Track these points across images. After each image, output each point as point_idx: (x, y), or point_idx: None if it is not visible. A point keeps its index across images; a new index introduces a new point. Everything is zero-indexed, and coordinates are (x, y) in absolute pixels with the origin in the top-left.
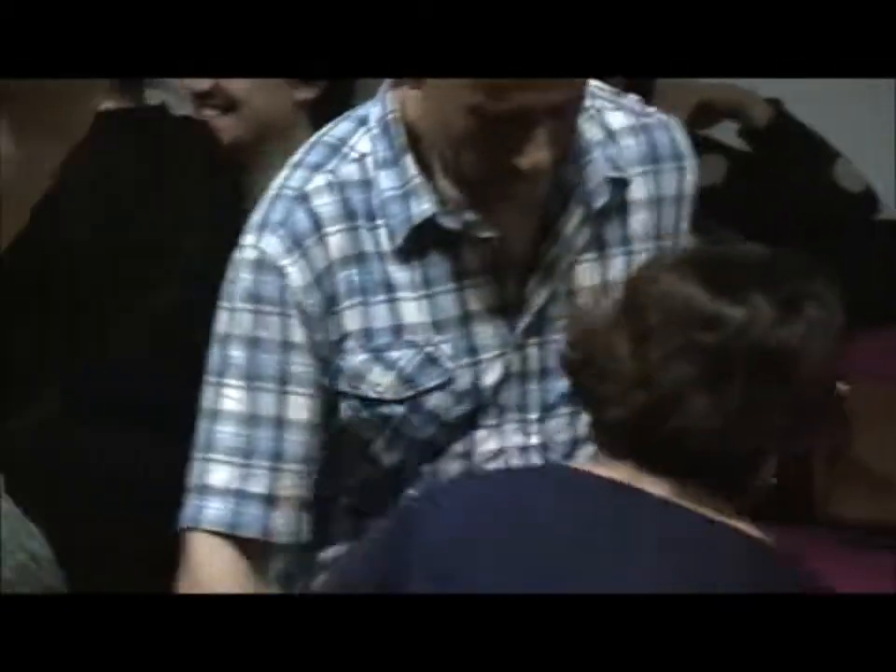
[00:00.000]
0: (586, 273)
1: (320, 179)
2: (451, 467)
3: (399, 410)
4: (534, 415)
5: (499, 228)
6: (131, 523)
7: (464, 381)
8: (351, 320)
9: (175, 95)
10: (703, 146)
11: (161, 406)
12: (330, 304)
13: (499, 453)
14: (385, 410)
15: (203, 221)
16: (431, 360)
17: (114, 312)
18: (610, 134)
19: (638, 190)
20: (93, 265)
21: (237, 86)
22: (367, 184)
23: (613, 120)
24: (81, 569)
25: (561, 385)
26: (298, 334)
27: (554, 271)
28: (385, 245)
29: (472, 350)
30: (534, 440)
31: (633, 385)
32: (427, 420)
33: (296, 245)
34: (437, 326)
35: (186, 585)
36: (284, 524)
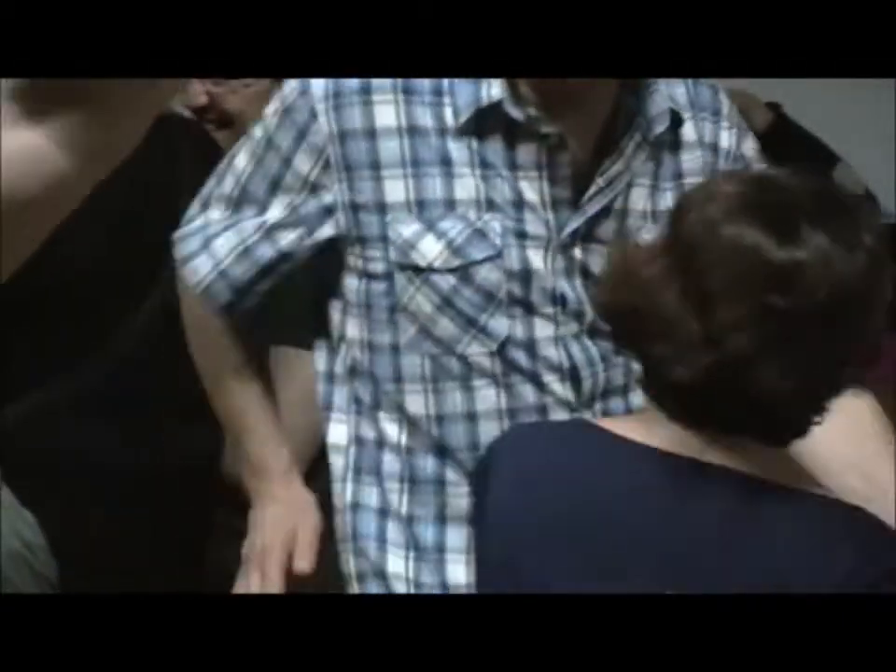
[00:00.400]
0: (640, 198)
1: None
2: (516, 355)
3: (450, 280)
4: (586, 307)
5: (561, 127)
6: (124, 514)
7: (512, 260)
8: (398, 190)
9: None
10: None
11: (158, 400)
12: (360, 169)
13: (558, 340)
14: (437, 279)
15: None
16: (481, 234)
17: (114, 310)
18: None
19: (689, 132)
20: (94, 264)
21: (232, 102)
22: None
23: None
24: (74, 559)
25: None
26: (302, 163)
27: (612, 185)
28: (449, 121)
29: (521, 234)
30: (586, 326)
31: (696, 347)
32: (477, 293)
33: (335, 95)
34: (489, 204)
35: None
36: (219, 290)
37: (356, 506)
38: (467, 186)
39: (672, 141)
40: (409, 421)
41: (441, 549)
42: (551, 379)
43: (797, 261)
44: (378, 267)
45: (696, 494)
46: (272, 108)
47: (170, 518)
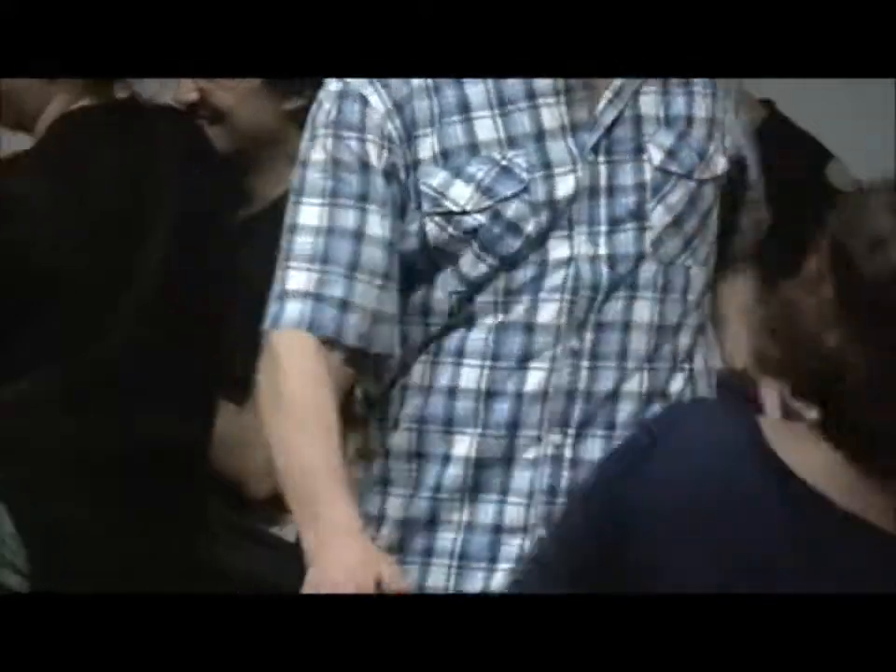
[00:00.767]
0: (651, 104)
1: None
2: (526, 273)
3: (481, 220)
4: (602, 228)
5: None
6: (97, 503)
7: (538, 192)
8: (428, 145)
9: (154, 85)
10: None
11: (130, 391)
12: (409, 129)
13: (570, 261)
14: (469, 221)
15: (179, 204)
16: (507, 172)
17: (95, 302)
18: None
19: None
20: (76, 258)
21: (223, 98)
22: None
23: None
24: (44, 548)
25: (627, 201)
26: (376, 158)
27: (620, 94)
28: None
29: (546, 164)
30: (602, 250)
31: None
32: (507, 229)
33: (384, 84)
34: (511, 141)
35: (267, 380)
36: (357, 328)
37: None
38: (487, 127)
39: None
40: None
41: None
42: (547, 297)
43: None
44: (413, 224)
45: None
46: (317, 150)
47: (146, 507)
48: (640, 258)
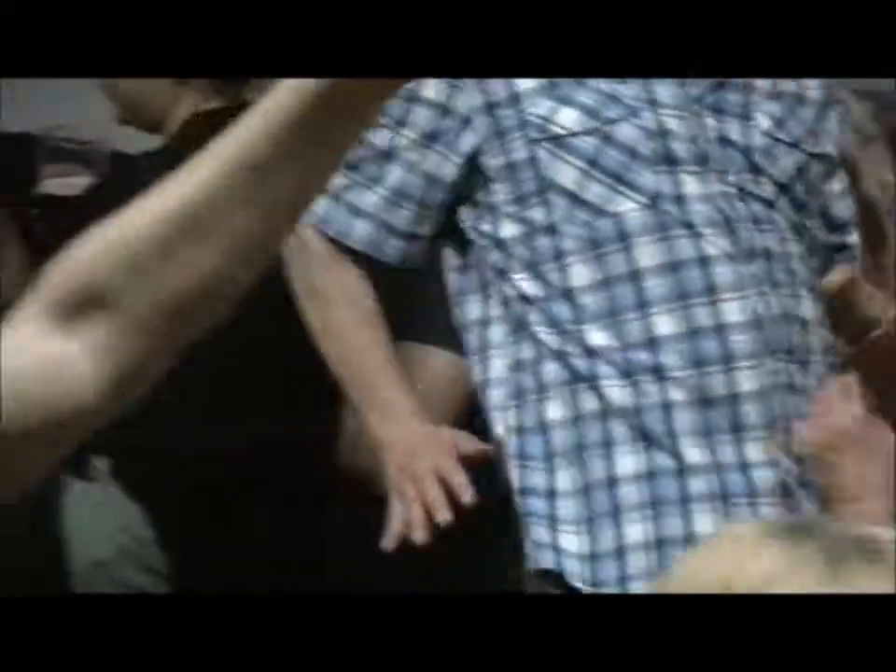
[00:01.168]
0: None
1: None
2: (670, 207)
3: (592, 141)
4: (729, 168)
5: None
6: (233, 507)
7: (647, 119)
8: (528, 79)
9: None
10: None
11: (262, 395)
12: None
13: (708, 197)
14: (579, 143)
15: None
16: (613, 98)
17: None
18: None
19: None
20: None
21: None
22: None
23: None
24: (184, 553)
25: (740, 157)
26: (437, 93)
27: None
28: None
29: (652, 102)
30: (733, 189)
31: None
32: (621, 151)
33: None
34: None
35: (297, 271)
36: (363, 233)
37: (520, 429)
38: None
39: None
40: (574, 303)
41: (607, 444)
42: (709, 232)
43: None
44: (521, 153)
45: None
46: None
47: (280, 511)
48: (770, 204)
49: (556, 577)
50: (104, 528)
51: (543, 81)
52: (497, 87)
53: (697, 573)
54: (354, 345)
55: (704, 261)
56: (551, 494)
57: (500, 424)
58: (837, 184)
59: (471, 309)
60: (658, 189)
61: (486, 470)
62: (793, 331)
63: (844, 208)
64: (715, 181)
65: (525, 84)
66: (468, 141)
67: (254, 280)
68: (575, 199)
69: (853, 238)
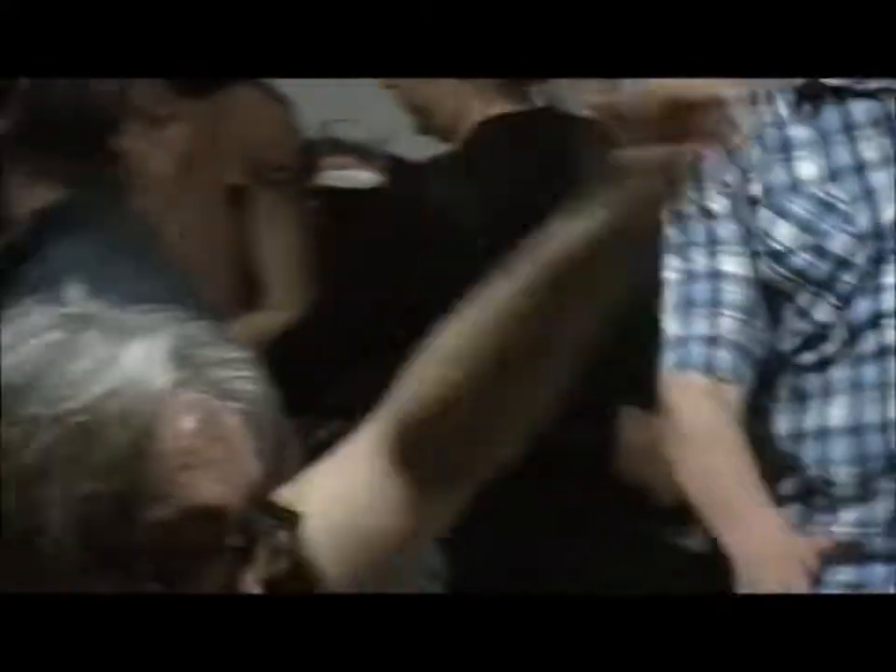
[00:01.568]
0: None
1: None
2: (864, 305)
3: (806, 258)
4: None
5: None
6: (514, 511)
7: (863, 221)
8: (756, 185)
9: (564, 96)
10: None
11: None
12: (745, 172)
13: None
14: (795, 261)
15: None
16: (828, 207)
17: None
18: None
19: None
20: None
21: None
22: None
23: None
24: (464, 556)
25: None
26: (717, 202)
27: None
28: (783, 109)
29: (868, 193)
30: None
31: None
32: (835, 265)
33: None
34: (833, 175)
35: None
36: (726, 361)
37: None
38: (807, 165)
39: None
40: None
41: None
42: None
43: None
44: (747, 262)
45: None
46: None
47: (550, 509)
48: None
49: None
50: None
51: (762, 187)
52: (739, 190)
53: None
54: (720, 475)
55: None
56: None
57: None
58: None
59: None
60: (876, 285)
61: None
62: None
63: None
64: None
65: (755, 187)
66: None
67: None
68: (801, 314)
69: None
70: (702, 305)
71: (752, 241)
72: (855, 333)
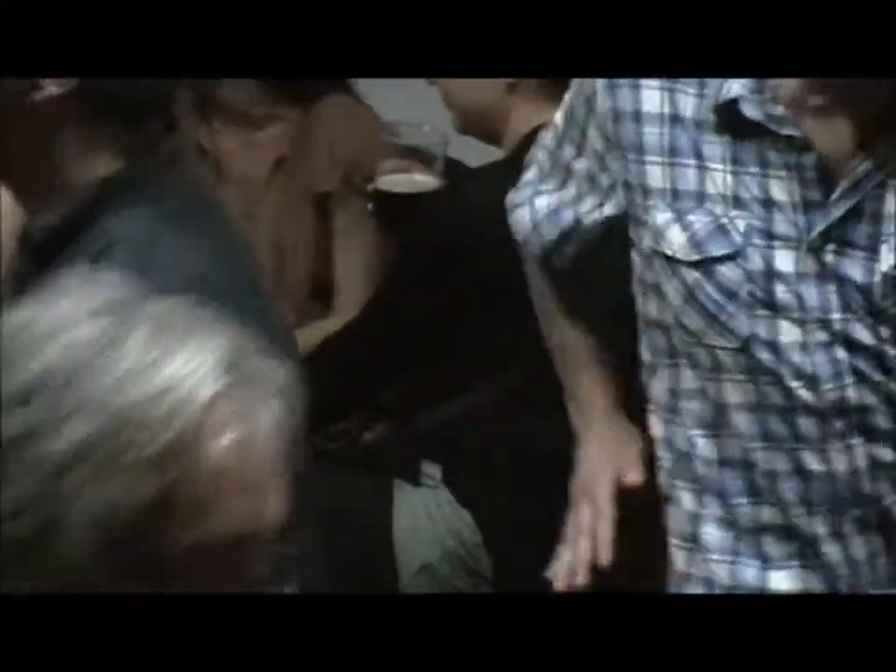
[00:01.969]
0: (892, 199)
1: None
2: (761, 355)
3: (694, 274)
4: (836, 315)
5: (808, 129)
6: (558, 508)
7: (754, 260)
8: (657, 177)
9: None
10: None
11: None
12: (627, 150)
13: (804, 347)
14: (683, 271)
15: None
16: (723, 231)
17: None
18: None
19: None
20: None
21: None
22: None
23: None
24: (508, 555)
25: (858, 296)
26: (594, 138)
27: (859, 186)
28: (705, 114)
29: (767, 234)
30: (832, 337)
31: None
32: (720, 290)
33: (612, 84)
34: (737, 201)
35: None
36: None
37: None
38: (716, 180)
39: None
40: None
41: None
42: (796, 385)
43: None
44: (642, 250)
45: None
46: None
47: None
48: (880, 354)
49: None
50: (434, 532)
51: (668, 185)
52: (633, 168)
53: None
54: (565, 343)
55: (788, 411)
56: None
57: None
58: None
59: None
60: (752, 332)
61: None
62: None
63: None
64: (817, 329)
65: (653, 180)
66: (609, 208)
67: None
68: (676, 318)
69: None
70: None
71: (641, 234)
72: (718, 359)
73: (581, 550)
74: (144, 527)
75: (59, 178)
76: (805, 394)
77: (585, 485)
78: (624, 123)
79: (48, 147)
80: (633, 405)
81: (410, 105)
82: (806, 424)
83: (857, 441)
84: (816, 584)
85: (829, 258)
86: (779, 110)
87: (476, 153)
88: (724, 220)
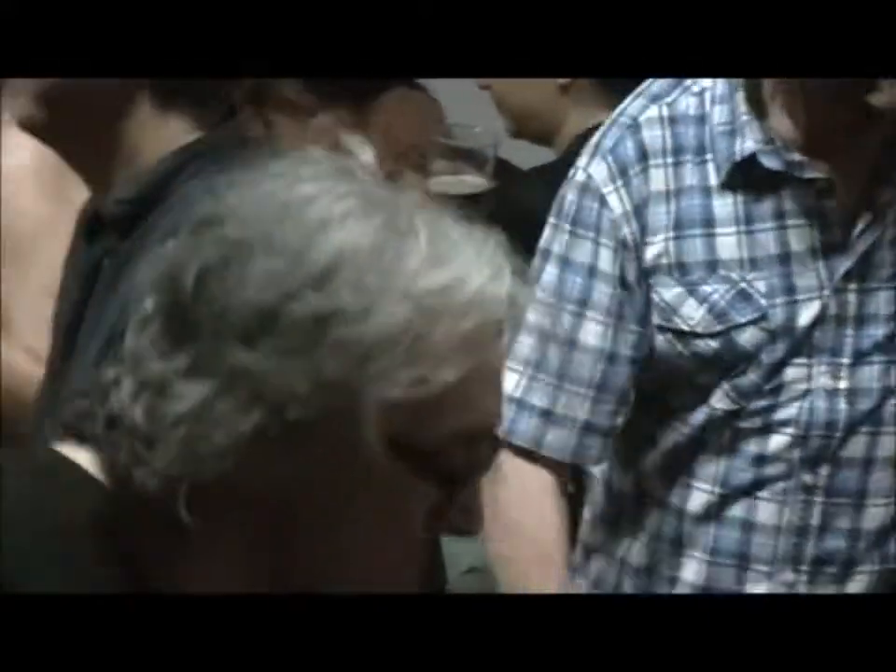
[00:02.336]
0: None
1: (654, 111)
2: (759, 403)
3: (713, 345)
4: (846, 360)
5: (828, 170)
6: None
7: (777, 319)
8: (664, 254)
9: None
10: None
11: None
12: (644, 235)
13: (806, 393)
14: (699, 344)
15: None
16: (745, 296)
17: None
18: None
19: None
20: None
21: None
22: (702, 118)
23: None
24: None
25: (877, 332)
26: (607, 262)
27: (884, 216)
28: (711, 179)
29: (789, 289)
30: (842, 384)
31: None
32: (740, 357)
33: (620, 173)
34: (753, 262)
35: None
36: (557, 440)
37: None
38: (729, 245)
39: None
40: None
41: None
42: (785, 431)
43: None
44: (647, 335)
45: None
46: (556, 236)
47: None
48: (885, 393)
49: None
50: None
51: (673, 260)
52: (630, 259)
53: None
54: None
55: (759, 459)
56: None
57: None
58: None
59: None
60: (776, 387)
61: None
62: (816, 542)
63: None
64: (822, 374)
65: (658, 259)
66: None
67: None
68: (693, 396)
69: None
70: (546, 371)
71: (645, 313)
72: (738, 430)
73: None
74: (425, 414)
75: (130, 153)
76: (783, 441)
77: None
78: (639, 216)
79: (118, 124)
80: None
81: (460, 108)
82: (773, 474)
83: (819, 499)
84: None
85: (851, 297)
86: (797, 157)
87: (529, 154)
88: (743, 285)
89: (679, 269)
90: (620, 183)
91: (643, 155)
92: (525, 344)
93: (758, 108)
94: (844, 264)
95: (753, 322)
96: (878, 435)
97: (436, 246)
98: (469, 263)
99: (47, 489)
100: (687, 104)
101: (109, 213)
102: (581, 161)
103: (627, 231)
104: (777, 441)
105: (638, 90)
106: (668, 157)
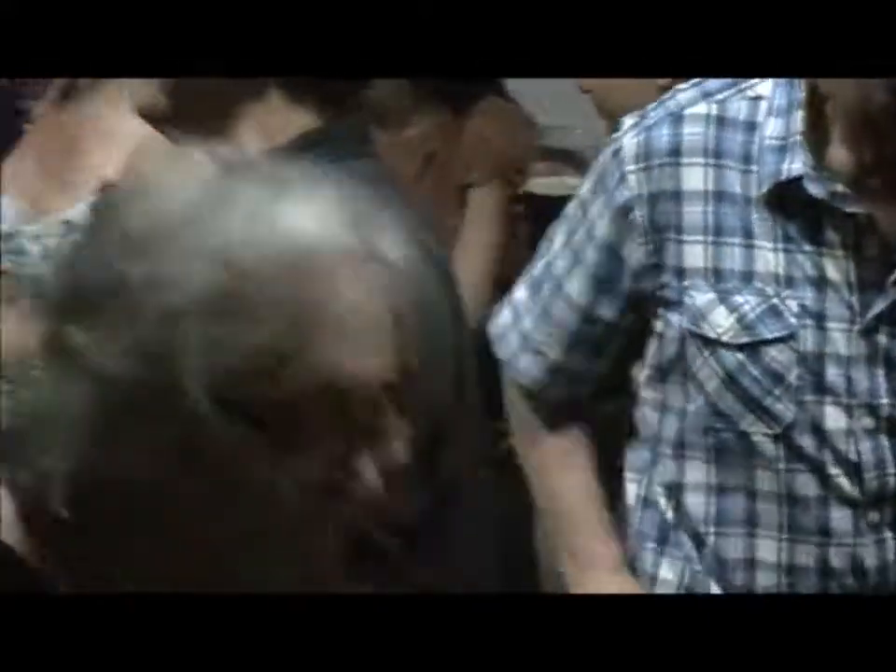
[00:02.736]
0: None
1: (703, 108)
2: (802, 442)
3: (738, 356)
4: (885, 401)
5: (871, 206)
6: None
7: (806, 342)
8: (697, 256)
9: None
10: None
11: None
12: (665, 231)
13: (850, 433)
14: (725, 354)
15: None
16: (776, 312)
17: None
18: None
19: None
20: None
21: None
22: (752, 126)
23: None
24: None
25: None
26: (604, 230)
27: None
28: (753, 191)
29: (820, 316)
30: (882, 424)
31: None
32: (765, 374)
33: (646, 157)
34: (789, 281)
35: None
36: (527, 366)
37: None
38: (766, 259)
39: None
40: (686, 489)
41: None
42: (836, 472)
43: None
44: (673, 331)
45: None
46: (588, 180)
47: None
48: None
49: None
50: None
51: (710, 265)
52: (668, 248)
53: None
54: (563, 495)
55: (822, 502)
56: None
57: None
58: None
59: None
60: (795, 419)
61: None
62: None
63: None
64: (864, 415)
65: (691, 260)
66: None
67: None
68: (709, 402)
69: None
70: (540, 299)
71: (678, 314)
72: (753, 446)
73: None
74: (251, 370)
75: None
76: (844, 483)
77: None
78: (662, 205)
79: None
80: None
81: (560, 110)
82: (839, 517)
83: (889, 534)
84: None
85: (882, 339)
86: (841, 188)
87: None
88: (776, 301)
89: (716, 274)
90: (643, 165)
91: (676, 150)
92: (537, 263)
93: (815, 131)
94: (878, 305)
95: (781, 339)
96: None
97: (264, 207)
98: (294, 220)
99: None
100: (739, 107)
101: None
102: (626, 122)
103: (638, 214)
104: (834, 480)
105: (695, 80)
106: (709, 157)
